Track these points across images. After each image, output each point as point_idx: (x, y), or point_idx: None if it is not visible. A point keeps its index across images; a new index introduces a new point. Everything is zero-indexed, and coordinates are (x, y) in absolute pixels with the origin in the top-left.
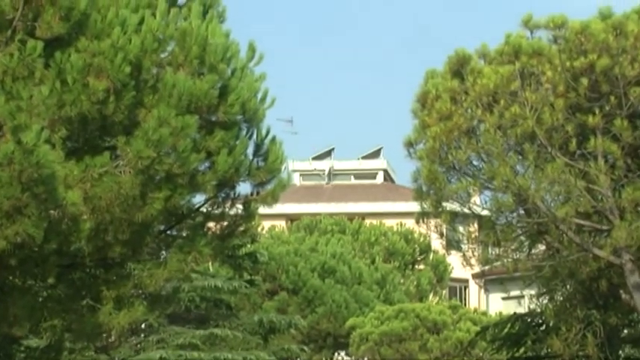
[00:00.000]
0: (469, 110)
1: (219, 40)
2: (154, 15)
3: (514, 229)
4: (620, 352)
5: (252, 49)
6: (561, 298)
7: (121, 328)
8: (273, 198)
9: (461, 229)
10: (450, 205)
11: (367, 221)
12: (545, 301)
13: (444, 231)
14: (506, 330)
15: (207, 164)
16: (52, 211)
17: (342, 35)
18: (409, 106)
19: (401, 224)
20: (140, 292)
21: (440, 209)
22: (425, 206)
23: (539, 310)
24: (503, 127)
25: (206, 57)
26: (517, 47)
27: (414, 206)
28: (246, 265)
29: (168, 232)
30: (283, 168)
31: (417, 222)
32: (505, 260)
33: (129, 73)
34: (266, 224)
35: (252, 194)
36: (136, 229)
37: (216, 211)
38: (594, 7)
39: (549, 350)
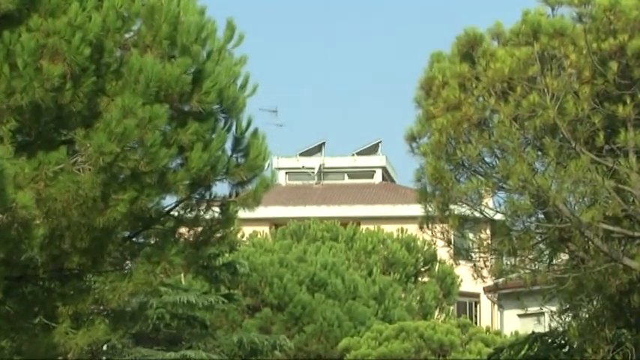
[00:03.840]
0: (480, 99)
1: (192, 18)
2: None
3: (532, 236)
4: None
5: (230, 29)
6: (587, 316)
7: (80, 350)
8: (254, 200)
9: (471, 235)
10: (459, 208)
11: (363, 227)
12: (569, 319)
13: (452, 238)
14: (523, 352)
15: (179, 161)
16: None
17: (334, 15)
18: (412, 95)
19: (402, 230)
20: (101, 308)
21: (447, 213)
22: (430, 209)
23: (561, 329)
24: (520, 118)
25: (177, 37)
26: (536, 26)
27: (417, 209)
28: (224, 277)
29: (134, 239)
30: (267, 165)
31: (421, 227)
32: (522, 272)
33: (88, 56)
34: (247, 230)
35: (230, 195)
36: (96, 236)
37: (189, 215)
38: None
39: None
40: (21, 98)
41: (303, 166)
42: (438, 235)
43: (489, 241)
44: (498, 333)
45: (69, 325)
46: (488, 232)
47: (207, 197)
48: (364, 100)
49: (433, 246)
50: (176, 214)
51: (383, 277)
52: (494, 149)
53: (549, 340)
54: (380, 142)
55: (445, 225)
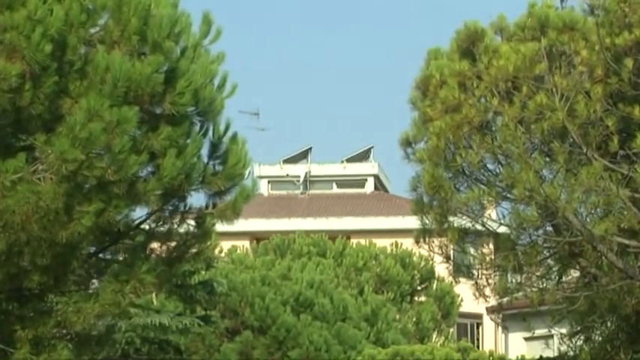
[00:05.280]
0: (482, 100)
1: (165, 11)
2: None
3: (540, 251)
4: None
5: (207, 23)
6: (600, 339)
7: None
8: (234, 212)
9: (472, 250)
10: (459, 221)
11: (353, 241)
12: (580, 342)
13: (451, 253)
14: None
15: (150, 169)
16: None
17: (320, 9)
18: (406, 95)
19: (396, 244)
20: (64, 331)
21: (446, 225)
22: (427, 222)
23: (571, 353)
24: (526, 120)
25: (148, 32)
26: (543, 20)
27: (413, 222)
28: (200, 297)
29: (101, 255)
30: (247, 173)
31: (417, 242)
32: (528, 290)
33: (50, 53)
34: (225, 245)
35: (207, 207)
36: (59, 252)
37: (161, 229)
38: None
39: None
40: None
41: (287, 175)
42: (436, 249)
43: (492, 257)
44: (503, 357)
45: (28, 351)
46: (491, 246)
47: (182, 209)
48: (354, 102)
49: (431, 262)
50: (147, 227)
51: (375, 296)
52: (497, 155)
53: None
54: (372, 147)
55: (444, 239)
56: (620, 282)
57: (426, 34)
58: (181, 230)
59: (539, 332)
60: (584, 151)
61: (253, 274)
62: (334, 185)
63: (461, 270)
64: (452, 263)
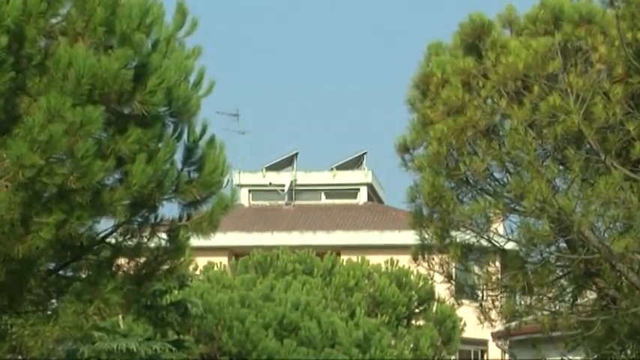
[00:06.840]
0: (489, 101)
1: (134, 0)
2: None
3: (552, 270)
4: None
5: (181, 13)
6: None
7: None
8: (210, 224)
9: (477, 269)
10: (462, 236)
11: (344, 257)
12: None
13: (453, 272)
14: None
15: (117, 176)
16: None
17: (308, 10)
18: (404, 95)
19: (392, 262)
20: (20, 357)
21: (447, 241)
22: (426, 236)
23: None
24: (538, 124)
25: (116, 23)
26: (557, 12)
27: (411, 237)
28: (172, 320)
29: (61, 272)
30: (226, 181)
31: (415, 259)
32: (539, 314)
33: (5, 46)
34: (201, 261)
35: (180, 219)
36: (14, 268)
37: (129, 243)
38: None
39: None
40: None
41: (270, 183)
42: (437, 268)
43: (499, 276)
44: None
45: None
46: (497, 264)
47: (152, 221)
48: (346, 103)
49: (430, 282)
50: (113, 241)
51: (368, 319)
52: (505, 163)
53: None
54: (365, 153)
55: (445, 256)
56: None
57: (426, 26)
58: (152, 245)
59: None
60: (602, 158)
61: (232, 294)
62: (323, 195)
63: (464, 291)
64: (454, 283)
